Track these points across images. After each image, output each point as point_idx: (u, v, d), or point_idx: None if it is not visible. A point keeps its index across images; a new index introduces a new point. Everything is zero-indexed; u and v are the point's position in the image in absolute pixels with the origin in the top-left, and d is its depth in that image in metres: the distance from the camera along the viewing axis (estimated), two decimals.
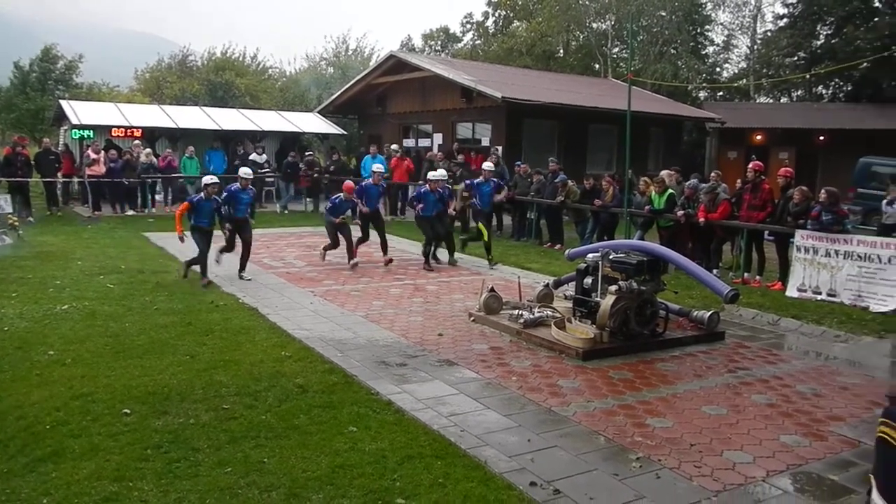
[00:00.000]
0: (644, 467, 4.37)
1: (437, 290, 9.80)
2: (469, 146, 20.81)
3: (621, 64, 32.45)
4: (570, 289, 8.45)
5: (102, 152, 17.86)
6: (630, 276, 7.16)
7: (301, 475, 4.11)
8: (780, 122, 25.74)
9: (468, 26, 41.39)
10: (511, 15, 39.31)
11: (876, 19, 27.40)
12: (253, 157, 20.49)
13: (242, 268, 10.14)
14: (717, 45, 36.22)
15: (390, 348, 6.83)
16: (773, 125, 25.54)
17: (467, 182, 12.69)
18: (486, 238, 11.91)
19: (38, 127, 28.18)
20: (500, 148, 18.48)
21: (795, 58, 31.07)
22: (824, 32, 30.43)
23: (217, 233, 10.14)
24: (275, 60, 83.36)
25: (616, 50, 34.53)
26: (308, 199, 19.42)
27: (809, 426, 5.18)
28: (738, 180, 13.12)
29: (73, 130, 19.59)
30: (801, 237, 9.87)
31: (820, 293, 9.57)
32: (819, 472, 4.42)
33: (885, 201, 13.75)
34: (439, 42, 42.34)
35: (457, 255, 12.08)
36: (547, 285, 8.69)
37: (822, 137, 24.25)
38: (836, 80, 30.92)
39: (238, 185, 10.10)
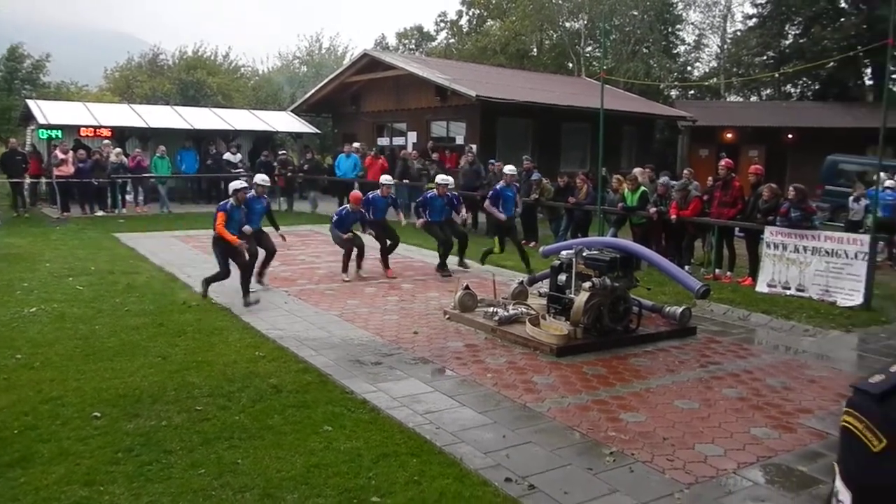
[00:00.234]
0: (618, 461, 4.42)
1: (412, 288, 9.79)
2: (443, 145, 20.82)
3: (594, 63, 32.71)
4: (544, 286, 8.49)
5: (71, 152, 17.58)
6: (603, 273, 7.22)
7: (275, 475, 4.08)
8: (750, 121, 26.12)
9: (442, 25, 41.42)
10: (485, 14, 39.40)
11: (842, 20, 27.93)
12: (227, 156, 20.35)
13: (259, 276, 9.33)
14: (689, 44, 36.71)
15: (365, 347, 6.82)
16: (744, 123, 25.91)
17: (493, 192, 11.40)
18: (518, 249, 11.04)
19: (5, 127, 27.66)
20: (474, 146, 18.51)
21: (765, 57, 31.55)
22: (792, 32, 30.94)
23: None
24: (247, 59, 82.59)
25: (589, 49, 34.80)
26: (282, 199, 19.27)
27: (779, 419, 5.27)
28: (710, 178, 13.29)
29: (41, 130, 19.27)
30: (770, 233, 10.03)
31: (789, 288, 9.73)
32: (788, 464, 4.49)
33: (851, 198, 14.07)
34: (413, 41, 42.29)
35: (475, 264, 11.16)
36: (521, 283, 8.74)
37: (790, 135, 24.65)
38: (804, 79, 31.47)
39: (253, 192, 9.23)
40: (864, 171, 17.65)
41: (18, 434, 4.58)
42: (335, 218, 10.45)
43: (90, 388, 5.44)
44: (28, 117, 21.73)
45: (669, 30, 35.11)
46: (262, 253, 9.31)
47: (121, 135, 20.43)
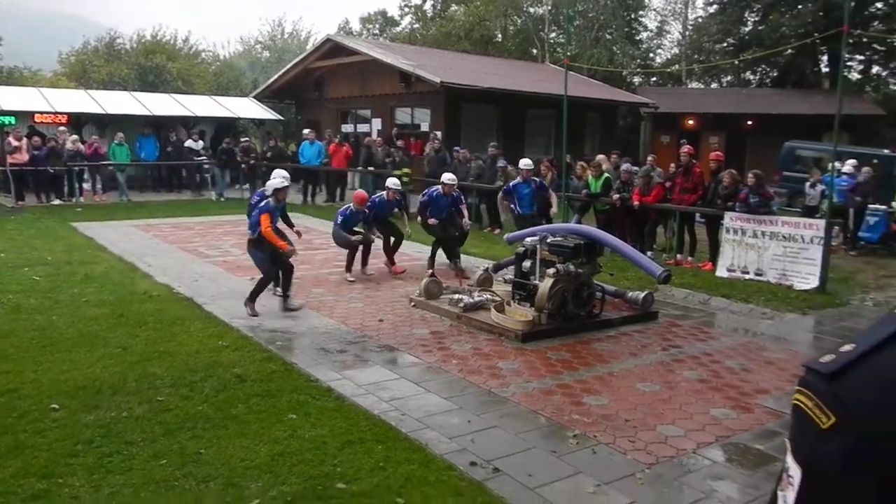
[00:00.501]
0: (581, 444, 4.48)
1: (378, 277, 9.76)
2: (408, 132, 20.72)
3: (558, 49, 32.83)
4: (509, 272, 8.55)
5: (25, 139, 17.07)
6: (567, 259, 7.29)
7: (239, 464, 4.06)
8: (711, 108, 26.48)
9: (406, 10, 41.09)
10: None
11: (799, 7, 28.39)
12: (189, 143, 19.97)
13: (285, 287, 8.08)
14: (651, 31, 37.05)
15: (330, 335, 6.79)
16: (704, 110, 26.27)
17: (506, 188, 10.96)
18: None
19: None
20: (439, 133, 18.46)
21: (725, 44, 31.97)
22: (752, 19, 31.38)
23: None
24: (208, 44, 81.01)
25: (553, 35, 34.89)
26: (245, 186, 19.00)
27: (737, 399, 5.40)
28: (672, 164, 13.47)
29: None
30: (730, 219, 10.21)
31: (748, 273, 9.94)
32: (746, 443, 4.61)
33: (807, 184, 14.39)
34: (377, 26, 41.89)
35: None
36: (486, 269, 8.78)
37: (749, 122, 25.08)
38: (763, 66, 31.99)
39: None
40: (821, 158, 18.06)
41: None
42: (340, 219, 9.55)
43: (48, 380, 5.32)
44: None
45: (632, 16, 35.37)
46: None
47: (77, 121, 19.91)
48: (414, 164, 16.59)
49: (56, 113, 19.31)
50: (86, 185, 18.29)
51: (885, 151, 19.01)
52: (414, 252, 11.01)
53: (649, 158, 13.75)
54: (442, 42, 33.82)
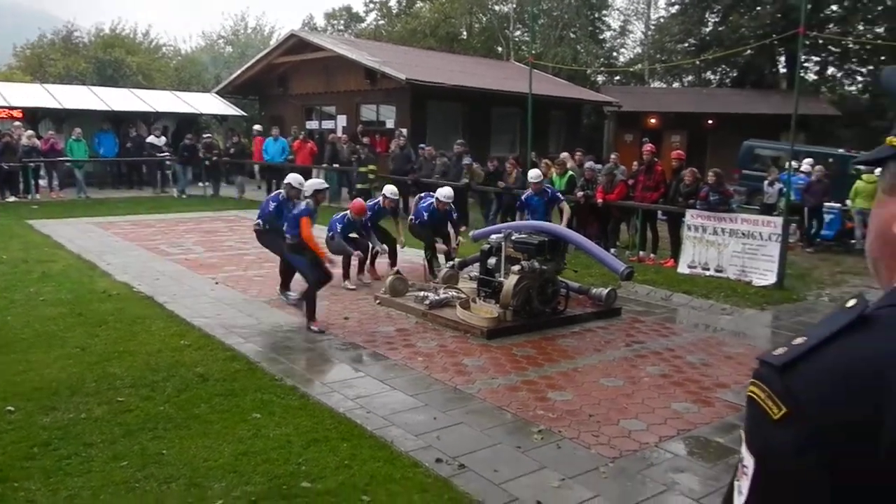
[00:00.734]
0: (545, 439, 4.52)
1: (341, 273, 9.69)
2: (374, 129, 20.65)
3: (523, 47, 32.97)
4: (474, 270, 8.57)
5: None
6: (532, 256, 7.34)
7: (202, 465, 4.00)
8: (673, 107, 26.88)
9: (371, 6, 40.86)
10: None
11: (758, 8, 28.93)
12: (151, 139, 19.58)
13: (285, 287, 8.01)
14: (614, 30, 37.47)
15: (295, 333, 6.74)
16: (666, 109, 26.65)
17: (518, 202, 10.50)
18: None
19: None
20: (405, 130, 18.42)
21: (686, 44, 32.45)
22: (712, 20, 31.90)
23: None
24: (169, 38, 79.66)
25: (518, 33, 35.04)
26: (207, 184, 18.73)
27: (698, 394, 5.50)
28: (634, 162, 13.64)
29: None
30: (691, 216, 10.38)
31: (708, 269, 10.12)
32: (706, 436, 4.70)
33: (766, 182, 14.69)
34: (342, 22, 41.61)
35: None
36: (452, 266, 8.78)
37: (710, 121, 25.51)
38: (723, 66, 32.54)
39: (283, 193, 8.11)
40: (778, 157, 18.45)
41: None
42: (339, 227, 8.82)
43: (2, 382, 5.18)
44: None
45: (596, 15, 35.71)
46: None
47: (33, 116, 19.43)
48: (380, 161, 16.52)
49: (11, 107, 18.80)
50: (42, 182, 17.86)
51: (840, 151, 19.50)
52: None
53: (612, 157, 13.90)
54: (407, 39, 33.72)
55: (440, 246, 9.38)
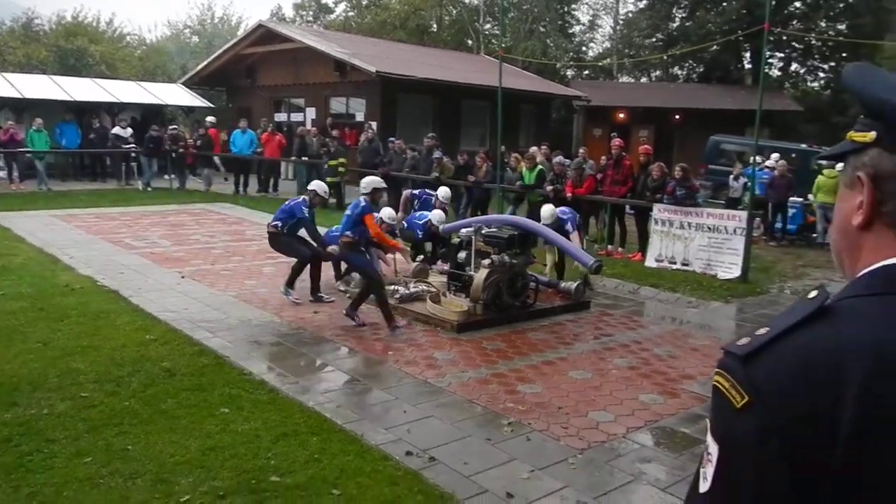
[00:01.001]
0: (515, 431, 4.55)
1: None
2: (343, 121, 20.50)
3: (493, 41, 32.96)
4: (444, 264, 8.57)
5: None
6: (502, 250, 7.36)
7: (169, 460, 3.95)
8: (641, 101, 27.15)
9: None
10: None
11: (724, 4, 29.34)
12: (117, 130, 19.16)
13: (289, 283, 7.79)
14: (583, 24, 37.65)
15: (264, 327, 6.68)
16: (634, 104, 26.91)
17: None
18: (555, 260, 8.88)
19: None
20: (374, 124, 18.34)
21: (654, 39, 32.77)
22: (679, 15, 32.26)
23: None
24: (133, 27, 77.99)
25: (488, 26, 35.02)
26: (172, 176, 18.43)
27: (665, 385, 5.58)
28: (603, 157, 13.74)
29: None
30: (658, 211, 10.51)
31: (675, 263, 10.25)
32: (672, 427, 4.77)
33: (731, 177, 14.92)
34: (311, 12, 41.16)
35: None
36: (422, 260, 8.78)
37: (677, 116, 25.82)
38: (690, 61, 32.94)
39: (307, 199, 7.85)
40: (743, 152, 18.75)
41: None
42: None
43: None
44: None
45: (565, 9, 35.85)
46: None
47: None
48: (349, 154, 16.42)
49: None
50: (1, 174, 17.40)
51: (803, 146, 19.89)
52: None
53: (581, 151, 14.01)
54: (377, 31, 33.50)
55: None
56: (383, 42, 26.95)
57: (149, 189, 17.71)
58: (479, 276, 7.12)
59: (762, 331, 0.88)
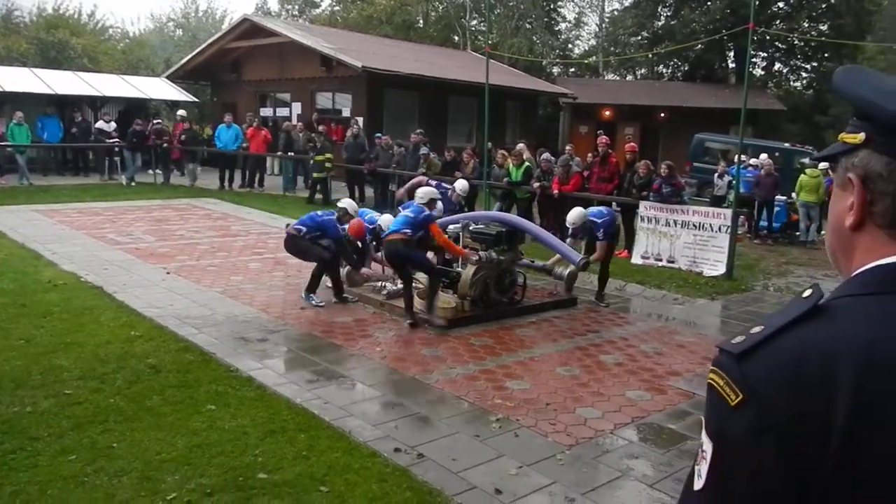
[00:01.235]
0: (503, 427, 4.56)
1: (298, 263, 9.56)
2: (329, 117, 20.42)
3: (479, 37, 32.98)
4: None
5: None
6: (489, 247, 7.37)
7: (155, 457, 3.92)
8: (626, 99, 27.29)
9: None
10: None
11: (709, 3, 29.54)
12: (101, 124, 18.95)
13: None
14: (570, 21, 37.77)
15: (250, 324, 6.64)
16: (620, 102, 27.03)
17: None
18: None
19: None
20: (360, 119, 18.28)
21: (639, 37, 32.92)
22: (664, 14, 32.43)
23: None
24: (116, 19, 77.10)
25: (474, 23, 35.02)
26: (157, 171, 18.25)
27: (651, 382, 5.60)
28: (589, 154, 13.79)
29: None
30: (644, 208, 10.56)
31: (661, 260, 10.31)
32: (659, 423, 4.80)
33: (716, 174, 15.02)
34: (297, 7, 40.94)
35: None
36: None
37: (662, 114, 25.97)
38: (675, 59, 33.15)
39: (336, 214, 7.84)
40: (728, 150, 18.89)
41: None
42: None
43: None
44: None
45: (551, 6, 35.92)
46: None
47: None
48: (336, 150, 16.36)
49: None
50: None
51: (786, 145, 20.08)
52: None
53: (567, 148, 14.04)
54: (363, 26, 33.38)
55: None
56: (369, 37, 26.86)
57: (132, 184, 17.54)
58: (467, 272, 7.13)
59: (757, 329, 0.89)
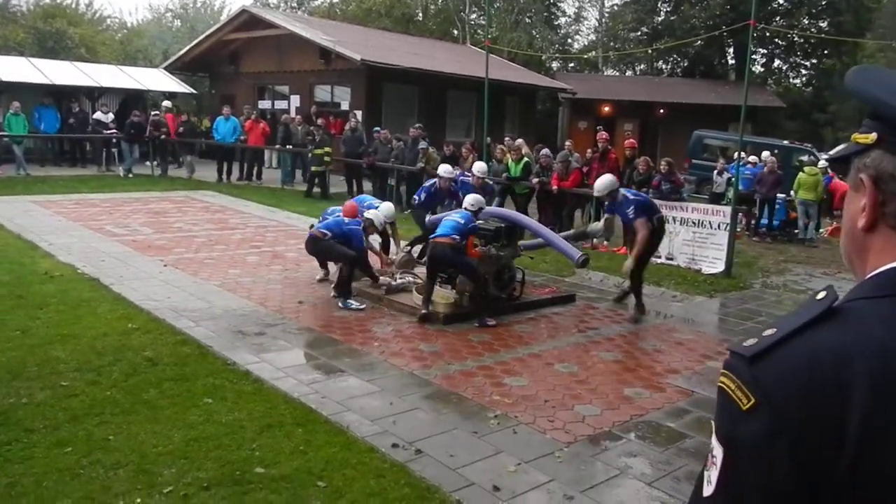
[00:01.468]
0: (502, 424, 4.55)
1: (296, 257, 9.55)
2: (328, 110, 20.36)
3: (479, 31, 32.88)
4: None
5: None
6: (488, 242, 7.35)
7: (151, 451, 3.90)
8: (626, 95, 27.25)
9: None
10: None
11: None
12: (98, 115, 18.87)
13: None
14: (569, 16, 37.67)
15: (247, 317, 6.61)
16: (619, 97, 26.99)
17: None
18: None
19: None
20: (359, 112, 18.22)
21: (639, 32, 32.89)
22: (664, 9, 32.37)
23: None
24: (113, 10, 76.73)
25: (474, 16, 34.93)
26: (155, 163, 18.19)
27: (650, 379, 5.59)
28: (589, 150, 13.77)
29: None
30: None
31: (660, 257, 10.26)
32: (658, 421, 4.79)
33: (715, 171, 15.02)
34: None
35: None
36: (408, 252, 8.74)
37: (662, 110, 25.95)
38: (675, 55, 33.13)
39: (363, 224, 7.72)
40: (727, 147, 18.89)
41: None
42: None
43: None
44: None
45: (551, 1, 35.83)
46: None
47: None
48: (334, 143, 16.32)
49: None
50: None
51: (785, 142, 20.08)
52: None
53: (567, 143, 14.02)
54: (362, 18, 33.24)
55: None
56: (368, 30, 26.76)
57: (130, 175, 17.48)
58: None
59: (769, 331, 0.87)
